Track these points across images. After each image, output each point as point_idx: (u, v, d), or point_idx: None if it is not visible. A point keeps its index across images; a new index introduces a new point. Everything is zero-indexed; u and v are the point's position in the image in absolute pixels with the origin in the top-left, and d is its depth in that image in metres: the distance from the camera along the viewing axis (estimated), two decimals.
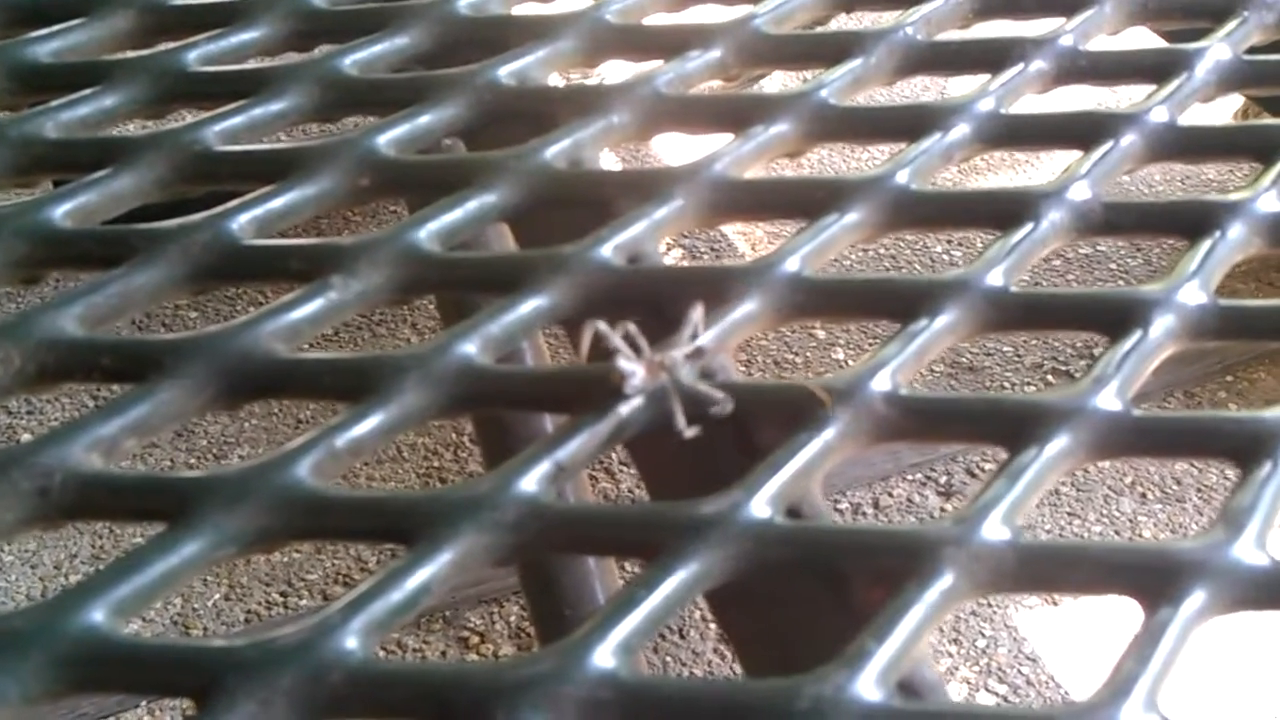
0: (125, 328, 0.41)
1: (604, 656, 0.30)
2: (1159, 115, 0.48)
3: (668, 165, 0.45)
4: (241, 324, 0.39)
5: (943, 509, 1.64)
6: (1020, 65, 0.51)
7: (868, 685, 0.29)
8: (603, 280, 0.41)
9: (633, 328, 0.37)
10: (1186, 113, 0.49)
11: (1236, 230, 0.43)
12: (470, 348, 0.38)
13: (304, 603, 1.43)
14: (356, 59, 0.51)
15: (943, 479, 1.64)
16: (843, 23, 0.57)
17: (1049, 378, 1.79)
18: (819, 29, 0.55)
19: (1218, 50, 0.52)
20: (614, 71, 0.51)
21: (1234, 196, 0.44)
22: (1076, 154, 0.47)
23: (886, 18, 0.54)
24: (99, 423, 0.36)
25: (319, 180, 0.45)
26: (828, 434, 0.36)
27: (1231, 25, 0.53)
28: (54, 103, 0.49)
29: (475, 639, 1.41)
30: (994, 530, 0.33)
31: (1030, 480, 0.35)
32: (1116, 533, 1.55)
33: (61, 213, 0.43)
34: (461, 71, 0.50)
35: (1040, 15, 0.56)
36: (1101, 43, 0.53)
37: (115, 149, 0.46)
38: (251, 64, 0.51)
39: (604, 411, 0.35)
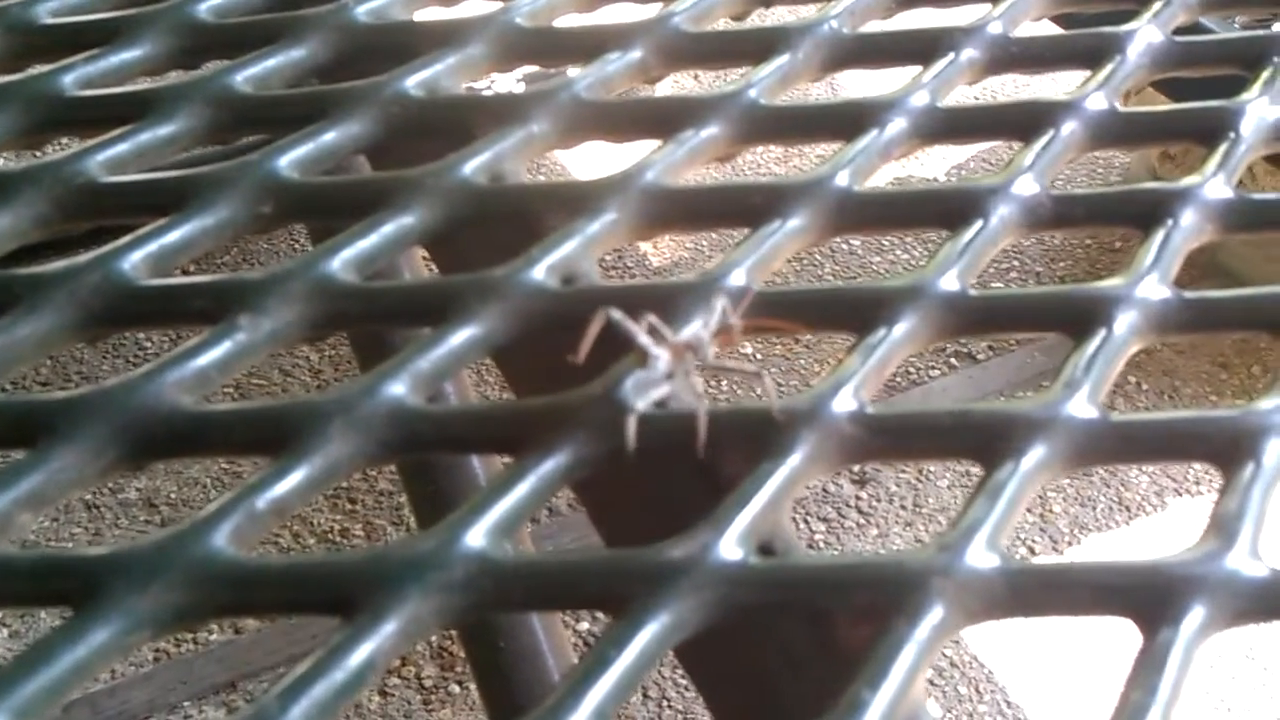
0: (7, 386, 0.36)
1: None
2: (1097, 102, 0.47)
3: (597, 176, 0.43)
4: (142, 375, 0.35)
5: (858, 497, 1.65)
6: (951, 55, 0.49)
7: None
8: (538, 304, 0.38)
9: (653, 318, 0.35)
10: (1124, 97, 0.48)
11: (1189, 218, 0.42)
12: (398, 388, 0.35)
13: (214, 637, 1.38)
14: (249, 75, 0.47)
15: (856, 467, 1.64)
16: (761, 18, 0.55)
17: (952, 361, 1.80)
18: (739, 25, 0.53)
19: (1148, 32, 0.50)
20: (519, 74, 0.48)
21: (1184, 183, 0.43)
22: (1014, 145, 0.46)
23: (808, 12, 0.52)
24: None
25: (217, 210, 0.41)
26: (794, 460, 0.33)
27: (1158, 6, 0.52)
28: None
29: (396, 662, 1.37)
30: (979, 556, 0.31)
31: (1010, 498, 0.33)
32: (1027, 510, 1.56)
33: None
34: (365, 84, 0.46)
35: (963, 2, 0.54)
36: (1029, 29, 0.52)
37: None
38: (135, 85, 0.47)
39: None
